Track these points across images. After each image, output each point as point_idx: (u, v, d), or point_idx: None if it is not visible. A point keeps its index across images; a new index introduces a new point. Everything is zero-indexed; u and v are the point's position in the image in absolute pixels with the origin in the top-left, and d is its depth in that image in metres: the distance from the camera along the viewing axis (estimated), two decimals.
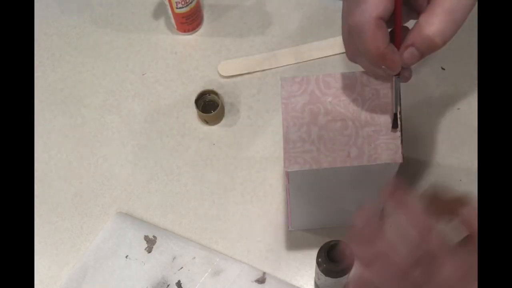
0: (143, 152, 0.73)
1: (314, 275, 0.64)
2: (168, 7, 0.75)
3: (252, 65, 0.77)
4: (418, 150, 0.71)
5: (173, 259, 0.67)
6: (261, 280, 0.65)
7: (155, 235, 0.68)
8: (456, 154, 0.69)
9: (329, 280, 0.57)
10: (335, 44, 0.77)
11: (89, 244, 0.69)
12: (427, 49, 0.46)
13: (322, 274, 0.56)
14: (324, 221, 0.66)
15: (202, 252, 0.67)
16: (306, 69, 0.76)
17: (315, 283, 0.64)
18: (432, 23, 0.45)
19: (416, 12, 0.48)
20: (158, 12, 0.82)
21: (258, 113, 0.74)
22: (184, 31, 0.80)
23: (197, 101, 0.73)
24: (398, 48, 0.47)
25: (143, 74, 0.78)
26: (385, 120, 0.51)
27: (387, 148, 0.50)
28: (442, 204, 0.44)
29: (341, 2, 0.51)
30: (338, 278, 0.56)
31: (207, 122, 0.74)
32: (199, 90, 0.73)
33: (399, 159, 0.50)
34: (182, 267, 0.66)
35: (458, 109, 0.73)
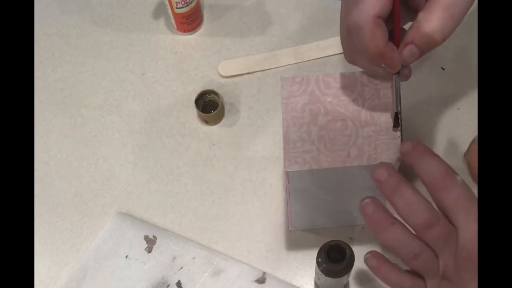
0: (143, 152, 0.73)
1: (314, 275, 0.64)
2: (168, 7, 0.75)
3: (252, 65, 0.77)
4: None
5: (173, 259, 0.67)
6: (261, 280, 0.65)
7: (155, 235, 0.68)
8: (456, 154, 0.69)
9: (329, 280, 0.57)
10: (335, 44, 0.77)
11: (89, 244, 0.69)
12: (427, 46, 0.46)
13: (322, 274, 0.56)
14: (324, 221, 0.66)
15: (202, 252, 0.67)
16: (306, 69, 0.76)
17: (315, 283, 0.64)
18: (431, 20, 0.45)
19: (414, 11, 0.48)
20: (158, 12, 0.82)
21: (258, 113, 0.74)
22: (184, 31, 0.80)
23: (197, 101, 0.73)
24: (398, 47, 0.47)
25: (143, 74, 0.78)
26: (385, 120, 0.51)
27: (387, 148, 0.50)
28: None
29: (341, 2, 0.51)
30: (338, 278, 0.56)
31: (207, 122, 0.74)
32: (199, 90, 0.73)
33: (399, 159, 0.50)
34: (182, 267, 0.66)
35: (458, 109, 0.73)
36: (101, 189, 0.72)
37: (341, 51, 0.53)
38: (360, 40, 0.46)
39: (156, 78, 0.78)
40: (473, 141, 0.66)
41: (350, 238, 0.65)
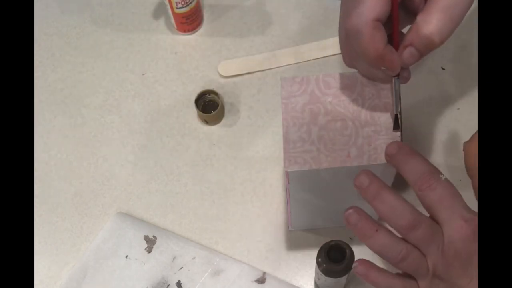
0: (143, 152, 0.73)
1: (314, 275, 0.64)
2: (168, 7, 0.75)
3: (252, 65, 0.77)
4: (418, 150, 0.69)
5: (173, 259, 0.67)
6: (261, 280, 0.65)
7: (155, 235, 0.68)
8: (456, 154, 0.69)
9: (329, 280, 0.57)
10: (335, 44, 0.77)
11: (89, 244, 0.69)
12: (426, 48, 0.46)
13: (322, 274, 0.56)
14: (324, 221, 0.66)
15: (202, 252, 0.67)
16: (306, 69, 0.76)
17: (315, 283, 0.64)
18: (430, 22, 0.45)
19: (413, 15, 0.48)
20: (158, 12, 0.82)
21: (258, 113, 0.74)
22: (184, 31, 0.80)
23: (197, 101, 0.73)
24: (397, 49, 0.47)
25: (143, 74, 0.78)
26: (385, 120, 0.51)
27: None
28: None
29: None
30: (338, 278, 0.56)
31: (207, 122, 0.74)
32: (199, 90, 0.73)
33: None
34: (182, 267, 0.66)
35: (458, 109, 0.73)
36: (101, 189, 0.72)
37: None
38: (359, 43, 0.46)
39: (156, 78, 0.78)
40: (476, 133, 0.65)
41: (350, 238, 0.65)
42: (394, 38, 0.48)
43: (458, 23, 0.45)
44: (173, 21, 0.78)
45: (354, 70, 0.52)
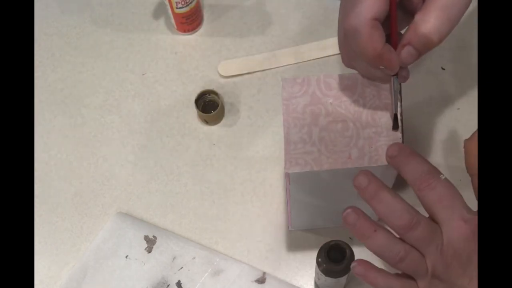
0: (143, 152, 0.73)
1: (314, 275, 0.64)
2: (168, 7, 0.75)
3: (252, 65, 0.77)
4: (418, 150, 0.70)
5: (173, 259, 0.67)
6: (261, 280, 0.65)
7: (155, 235, 0.68)
8: (456, 154, 0.69)
9: (329, 280, 0.57)
10: (335, 44, 0.76)
11: (89, 244, 0.69)
12: (424, 47, 0.46)
13: (322, 274, 0.56)
14: (324, 221, 0.66)
15: (202, 252, 0.67)
16: (306, 69, 0.77)
17: (315, 283, 0.64)
18: (428, 21, 0.45)
19: (411, 15, 0.48)
20: (158, 12, 0.82)
21: (258, 113, 0.74)
22: (184, 31, 0.79)
23: (197, 101, 0.73)
24: (395, 48, 0.47)
25: (143, 74, 0.78)
26: (386, 121, 0.51)
27: None
28: None
29: None
30: (338, 278, 0.56)
31: (207, 122, 0.74)
32: (199, 90, 0.73)
33: None
34: (182, 267, 0.66)
35: (458, 109, 0.73)
36: (101, 189, 0.72)
37: None
38: (358, 42, 0.46)
39: (156, 78, 0.78)
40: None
41: (350, 238, 0.65)
42: (392, 37, 0.48)
43: (457, 22, 0.45)
44: (173, 21, 0.78)
45: (353, 71, 0.52)
